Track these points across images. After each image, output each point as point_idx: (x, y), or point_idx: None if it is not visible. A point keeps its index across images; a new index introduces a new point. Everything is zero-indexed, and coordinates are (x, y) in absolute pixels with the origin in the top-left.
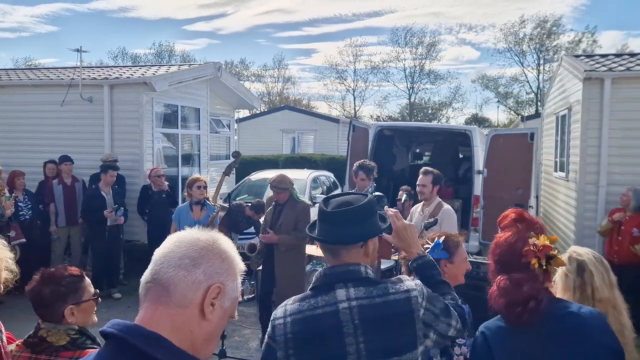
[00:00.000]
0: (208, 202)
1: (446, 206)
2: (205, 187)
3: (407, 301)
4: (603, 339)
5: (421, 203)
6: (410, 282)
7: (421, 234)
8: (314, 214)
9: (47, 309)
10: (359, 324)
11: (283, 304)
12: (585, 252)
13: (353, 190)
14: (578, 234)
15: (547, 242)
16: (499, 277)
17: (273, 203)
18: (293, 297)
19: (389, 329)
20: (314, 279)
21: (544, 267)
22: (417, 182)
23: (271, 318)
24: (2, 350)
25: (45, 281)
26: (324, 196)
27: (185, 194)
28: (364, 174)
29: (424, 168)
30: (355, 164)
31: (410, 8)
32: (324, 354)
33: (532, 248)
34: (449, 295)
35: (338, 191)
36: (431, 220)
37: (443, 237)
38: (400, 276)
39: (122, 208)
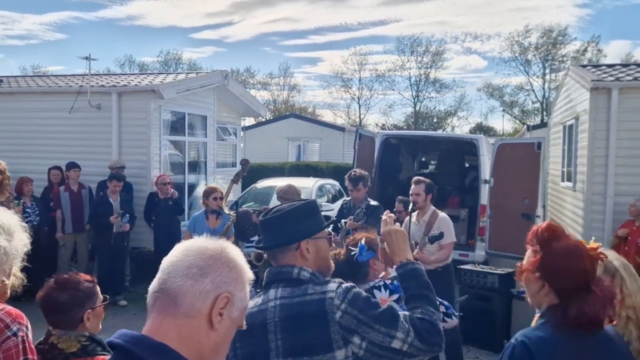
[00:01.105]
0: (223, 211)
1: (442, 214)
2: (222, 198)
3: (320, 302)
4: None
5: (415, 212)
6: (333, 284)
7: (425, 246)
8: None
9: (63, 315)
10: (278, 322)
11: None
12: (614, 256)
13: (348, 199)
14: None
15: (599, 244)
16: (598, 283)
17: None
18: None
19: (301, 329)
20: None
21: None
22: (410, 192)
23: None
24: (28, 345)
25: (62, 287)
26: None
27: (201, 202)
28: (350, 185)
29: (415, 177)
30: None
31: (416, 17)
32: (255, 348)
33: (594, 253)
34: (419, 309)
35: (344, 199)
36: (436, 233)
37: (364, 239)
38: (335, 279)
39: (127, 215)
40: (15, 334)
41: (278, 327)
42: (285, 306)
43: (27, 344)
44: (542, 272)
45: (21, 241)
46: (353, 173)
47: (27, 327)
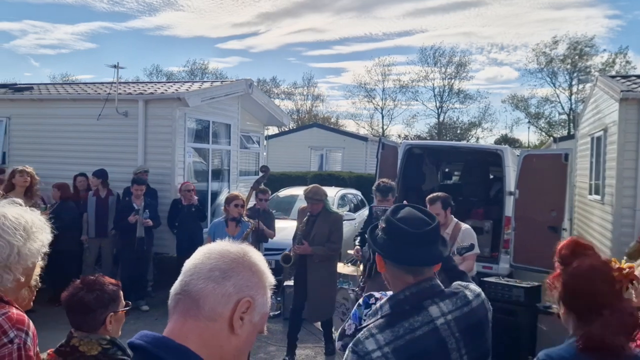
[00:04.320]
0: (243, 219)
1: (465, 226)
2: (243, 206)
3: (483, 306)
4: None
5: None
6: (475, 286)
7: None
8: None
9: (88, 316)
10: (459, 336)
11: (364, 335)
12: None
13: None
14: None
15: (632, 264)
16: (613, 307)
17: (307, 213)
18: (374, 325)
19: (480, 335)
20: (383, 303)
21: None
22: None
23: (360, 353)
24: (25, 353)
25: (89, 287)
26: (349, 213)
27: (223, 209)
28: (380, 195)
29: (429, 197)
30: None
31: (442, 28)
32: None
33: (623, 273)
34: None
35: (365, 210)
36: (466, 245)
37: None
38: (460, 282)
39: (147, 210)
40: (11, 341)
41: (461, 342)
42: (459, 319)
43: (23, 352)
44: (559, 292)
45: (40, 242)
46: (382, 183)
47: (26, 333)
